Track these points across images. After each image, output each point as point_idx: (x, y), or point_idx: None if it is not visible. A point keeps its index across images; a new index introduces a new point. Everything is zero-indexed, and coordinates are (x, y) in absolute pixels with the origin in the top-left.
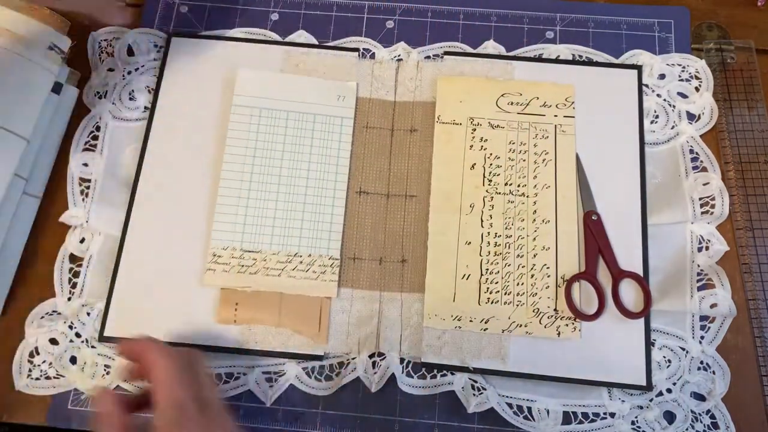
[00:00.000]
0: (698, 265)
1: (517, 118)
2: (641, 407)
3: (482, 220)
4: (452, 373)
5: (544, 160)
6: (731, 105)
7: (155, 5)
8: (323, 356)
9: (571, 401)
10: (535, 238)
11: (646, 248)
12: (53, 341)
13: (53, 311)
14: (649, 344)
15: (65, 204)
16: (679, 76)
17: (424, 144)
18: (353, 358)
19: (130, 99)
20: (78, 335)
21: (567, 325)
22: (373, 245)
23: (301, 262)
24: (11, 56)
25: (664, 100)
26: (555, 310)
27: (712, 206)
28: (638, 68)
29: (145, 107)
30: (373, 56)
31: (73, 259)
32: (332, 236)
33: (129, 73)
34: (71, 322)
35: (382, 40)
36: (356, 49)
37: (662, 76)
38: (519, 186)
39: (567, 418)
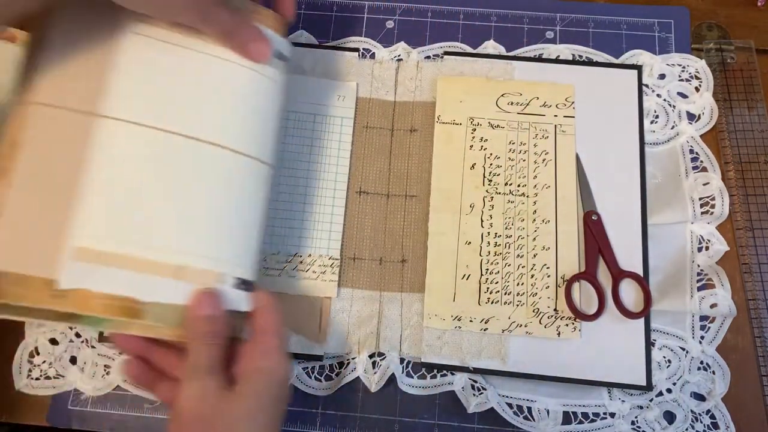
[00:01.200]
0: (698, 265)
1: (517, 118)
2: (641, 407)
3: (482, 220)
4: (452, 373)
5: (544, 160)
6: (731, 105)
7: None
8: (323, 356)
9: (571, 401)
10: (535, 238)
11: (646, 248)
12: (53, 341)
13: None
14: (649, 344)
15: None
16: (679, 76)
17: (424, 144)
18: (353, 358)
19: None
20: (78, 335)
21: (567, 325)
22: (373, 245)
23: (301, 262)
24: (237, 68)
25: (664, 100)
26: (555, 310)
27: (712, 206)
28: (638, 68)
29: None
30: (373, 56)
31: None
32: (332, 236)
33: None
34: None
35: (382, 40)
36: (356, 49)
37: (662, 76)
38: (519, 186)
39: (567, 418)
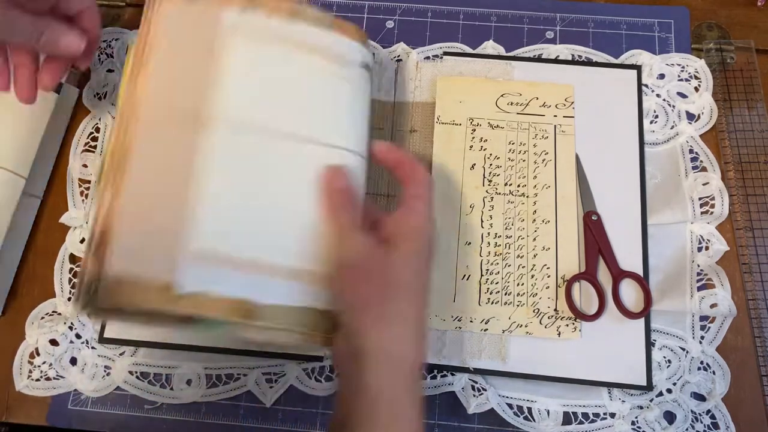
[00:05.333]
0: (698, 265)
1: (516, 118)
2: (641, 407)
3: (482, 221)
4: (452, 374)
5: (543, 160)
6: (731, 105)
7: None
8: (323, 356)
9: (572, 401)
10: (535, 239)
11: (646, 248)
12: (53, 342)
13: (53, 312)
14: (649, 344)
15: (65, 204)
16: (679, 76)
17: (423, 144)
18: None
19: None
20: (78, 336)
21: (567, 325)
22: None
23: None
24: (340, 82)
25: (664, 100)
26: (555, 310)
27: (712, 206)
28: (638, 68)
29: None
30: (372, 57)
31: (74, 259)
32: None
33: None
34: (71, 323)
35: (381, 40)
36: None
37: (662, 76)
38: (519, 186)
39: (567, 419)
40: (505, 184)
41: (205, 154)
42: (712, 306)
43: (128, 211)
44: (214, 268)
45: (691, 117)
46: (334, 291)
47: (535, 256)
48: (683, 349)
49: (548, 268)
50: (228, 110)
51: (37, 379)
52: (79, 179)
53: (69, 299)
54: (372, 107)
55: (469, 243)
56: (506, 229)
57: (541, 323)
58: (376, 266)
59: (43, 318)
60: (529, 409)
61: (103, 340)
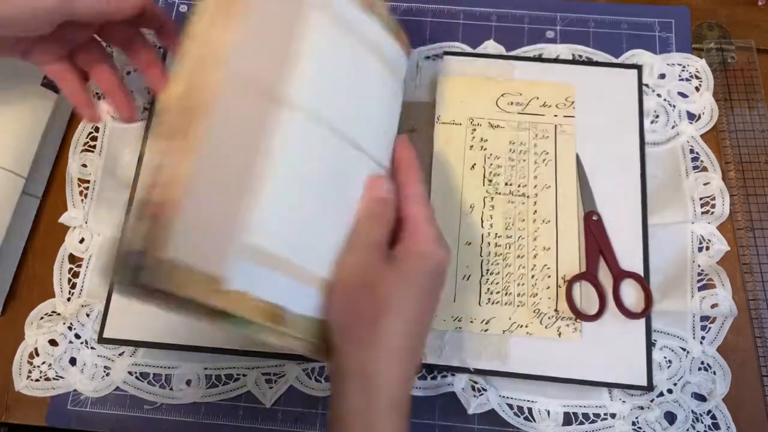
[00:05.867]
0: (699, 265)
1: (517, 118)
2: (642, 408)
3: (482, 221)
4: (453, 374)
5: (544, 160)
6: (732, 105)
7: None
8: None
9: (572, 402)
10: (535, 239)
11: (647, 248)
12: (53, 342)
13: (53, 312)
14: (649, 344)
15: (65, 204)
16: (680, 76)
17: (424, 144)
18: None
19: None
20: (77, 336)
21: (568, 325)
22: None
23: None
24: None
25: (665, 99)
26: (556, 310)
27: (713, 206)
28: (638, 68)
29: (144, 108)
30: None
31: (73, 259)
32: None
33: (128, 73)
34: (71, 324)
35: None
36: None
37: (662, 76)
38: (519, 186)
39: (567, 419)
40: (506, 184)
41: (281, 137)
42: (713, 306)
43: (197, 184)
44: (263, 268)
45: (691, 117)
46: (326, 304)
47: (535, 256)
48: (684, 350)
49: (549, 268)
50: (303, 95)
51: (37, 380)
52: (79, 179)
53: (68, 299)
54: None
55: (469, 243)
56: (506, 229)
57: (541, 323)
58: (371, 284)
59: (42, 318)
60: (530, 409)
61: (102, 340)
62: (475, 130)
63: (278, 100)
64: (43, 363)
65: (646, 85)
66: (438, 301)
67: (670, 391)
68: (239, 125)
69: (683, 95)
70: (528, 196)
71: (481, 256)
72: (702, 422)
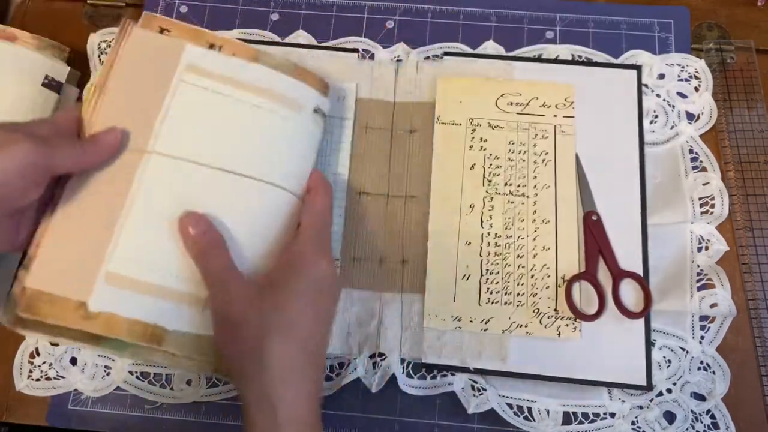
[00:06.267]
0: (698, 265)
1: (516, 118)
2: (641, 407)
3: (482, 221)
4: (452, 374)
5: (543, 160)
6: (731, 105)
7: (155, 5)
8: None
9: (572, 401)
10: (535, 239)
11: (646, 248)
12: (53, 342)
13: None
14: (649, 344)
15: None
16: (679, 76)
17: (423, 145)
18: (354, 359)
19: None
20: None
21: (567, 325)
22: (374, 246)
23: None
24: (289, 123)
25: (664, 100)
26: (555, 310)
27: (712, 206)
28: (638, 68)
29: None
30: (372, 57)
31: None
32: (333, 237)
33: None
34: None
35: (381, 41)
36: (356, 50)
37: (662, 76)
38: (519, 186)
39: (567, 419)
40: (505, 184)
41: (138, 182)
42: (712, 306)
43: (57, 229)
44: (126, 291)
45: (691, 117)
46: (214, 340)
47: (535, 256)
48: (683, 349)
49: (548, 268)
50: (170, 144)
51: (37, 379)
52: None
53: None
54: (321, 150)
55: (469, 243)
56: (506, 229)
57: (541, 323)
58: (252, 313)
59: None
60: (529, 409)
61: None
62: (474, 130)
63: (146, 149)
64: (44, 363)
65: (646, 86)
66: (331, 311)
67: (669, 390)
68: (104, 177)
69: (682, 95)
70: (527, 196)
71: (480, 256)
72: (701, 422)
